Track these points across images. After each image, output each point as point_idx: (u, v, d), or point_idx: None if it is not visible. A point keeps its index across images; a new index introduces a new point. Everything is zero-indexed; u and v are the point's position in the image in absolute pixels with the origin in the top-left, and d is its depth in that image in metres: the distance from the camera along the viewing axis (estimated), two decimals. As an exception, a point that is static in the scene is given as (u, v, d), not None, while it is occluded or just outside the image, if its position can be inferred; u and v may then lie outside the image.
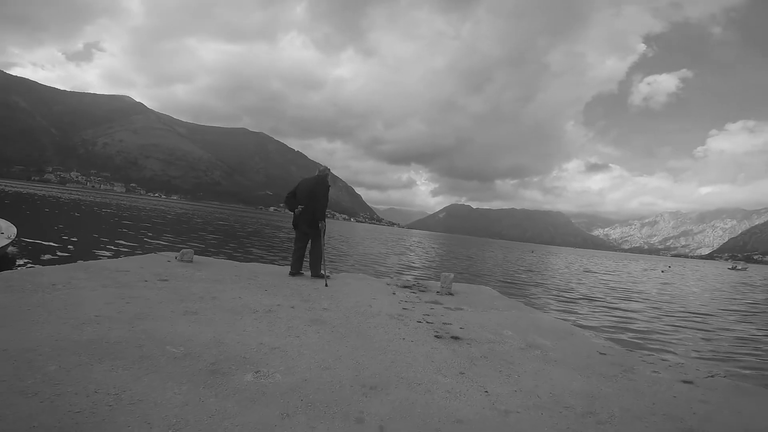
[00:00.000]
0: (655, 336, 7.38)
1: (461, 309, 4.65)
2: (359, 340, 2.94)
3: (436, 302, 4.87)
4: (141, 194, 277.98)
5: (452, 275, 5.81)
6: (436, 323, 3.78)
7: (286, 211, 6.14)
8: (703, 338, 7.58)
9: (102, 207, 34.33)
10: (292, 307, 3.76)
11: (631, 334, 7.33)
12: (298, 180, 6.21)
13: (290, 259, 6.03)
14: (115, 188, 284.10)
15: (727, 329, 8.54)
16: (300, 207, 5.73)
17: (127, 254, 9.43)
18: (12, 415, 1.50)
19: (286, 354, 2.48)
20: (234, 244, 17.39)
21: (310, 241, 5.89)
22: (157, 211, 38.95)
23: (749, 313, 11.79)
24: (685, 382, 2.92)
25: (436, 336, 3.32)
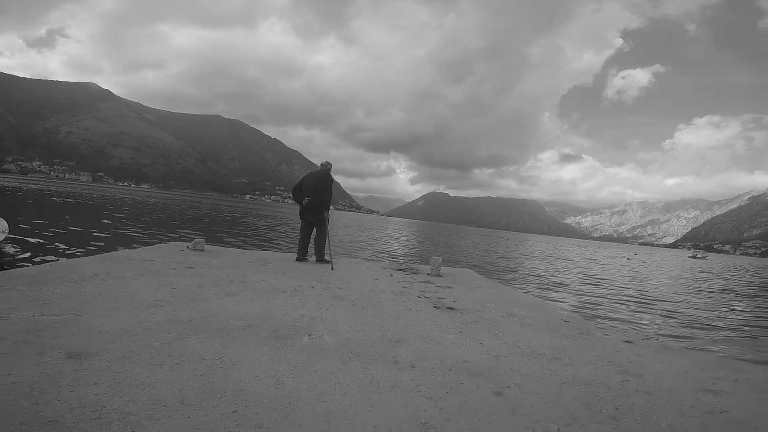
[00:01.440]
0: (610, 312, 8.47)
1: (451, 287, 5.46)
2: (376, 311, 3.68)
3: (429, 282, 5.67)
4: (109, 183, 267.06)
5: (440, 259, 6.62)
6: (433, 298, 4.57)
7: (290, 201, 6.81)
8: (649, 314, 8.74)
9: (72, 196, 33.44)
10: (312, 287, 4.46)
11: (590, 310, 8.39)
12: (301, 173, 6.85)
13: (295, 246, 6.67)
14: (81, 177, 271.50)
15: (673, 309, 9.76)
16: (307, 199, 6.36)
17: (115, 247, 9.75)
18: (159, 383, 1.87)
19: (325, 322, 3.18)
20: (221, 233, 17.69)
21: (314, 230, 6.55)
22: (130, 201, 38.20)
23: (698, 296, 13.23)
24: (626, 341, 3.81)
25: (435, 307, 4.11)
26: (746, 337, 7.15)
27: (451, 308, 4.15)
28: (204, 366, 2.11)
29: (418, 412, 1.82)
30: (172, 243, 7.29)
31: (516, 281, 12.26)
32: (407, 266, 7.14)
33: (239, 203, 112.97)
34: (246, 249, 8.77)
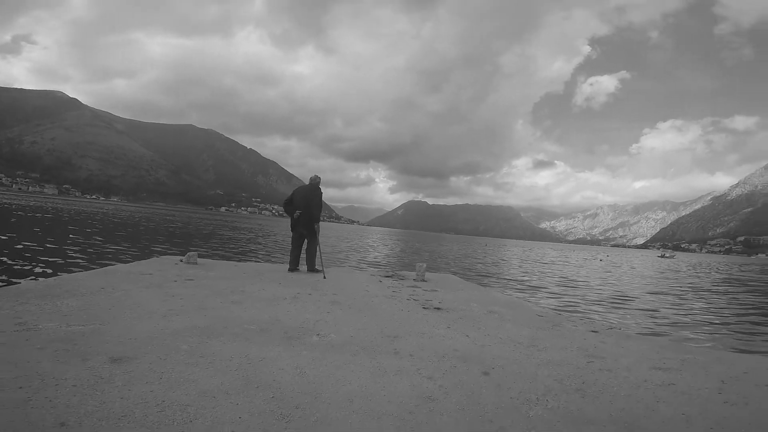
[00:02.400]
0: (580, 308, 9.10)
1: (436, 291, 5.88)
2: (372, 313, 4.05)
3: (415, 286, 6.07)
4: (76, 196, 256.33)
5: (425, 265, 7.05)
6: (421, 300, 4.97)
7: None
8: (616, 308, 9.43)
9: (38, 211, 32.26)
10: (310, 294, 4.78)
11: (562, 307, 9.00)
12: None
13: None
14: (45, 190, 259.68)
15: (638, 305, 10.52)
16: (298, 212, 6.67)
17: (96, 262, 9.72)
18: (201, 379, 2.13)
19: (328, 324, 3.52)
20: (198, 247, 17.58)
21: (305, 241, 6.86)
22: (100, 215, 37.12)
23: (664, 294, 14.16)
24: (592, 331, 4.31)
25: (424, 308, 4.51)
26: (708, 328, 7.87)
27: (438, 308, 4.56)
28: (234, 363, 2.41)
29: (422, 389, 2.20)
30: (165, 257, 7.44)
31: (495, 284, 12.84)
32: (394, 273, 7.54)
33: (215, 215, 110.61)
34: (232, 261, 8.94)
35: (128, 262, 7.42)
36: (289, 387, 2.10)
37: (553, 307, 8.98)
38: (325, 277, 6.21)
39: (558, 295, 11.27)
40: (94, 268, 6.28)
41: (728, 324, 8.41)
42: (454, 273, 13.34)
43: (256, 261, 12.47)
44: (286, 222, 7.72)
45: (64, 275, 5.11)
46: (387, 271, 7.97)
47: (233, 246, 18.77)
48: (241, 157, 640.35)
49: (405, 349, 2.92)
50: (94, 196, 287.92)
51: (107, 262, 9.79)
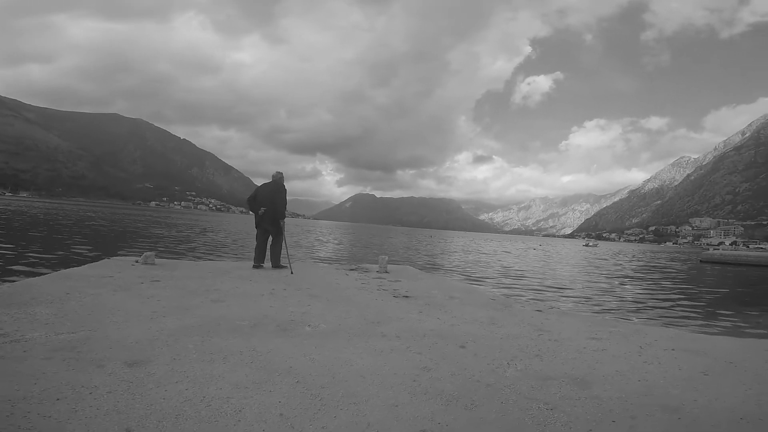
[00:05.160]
0: (525, 294, 10.14)
1: (400, 281, 6.34)
2: (350, 303, 4.39)
3: (380, 278, 6.48)
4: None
5: (387, 258, 7.48)
6: (389, 290, 5.40)
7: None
8: (554, 293, 10.62)
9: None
10: (285, 290, 4.98)
11: (508, 292, 9.96)
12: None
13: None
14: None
15: (574, 293, 11.88)
16: (263, 209, 6.75)
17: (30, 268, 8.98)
18: (225, 373, 2.24)
19: (314, 315, 3.79)
20: (132, 247, 16.54)
21: (270, 238, 6.96)
22: (7, 212, 33.18)
23: (594, 279, 15.92)
24: (537, 311, 5.00)
25: (394, 296, 4.94)
26: (629, 307, 9.18)
27: (406, 296, 5.01)
28: (247, 357, 2.56)
29: (416, 362, 2.61)
30: (116, 258, 7.13)
31: (446, 275, 13.67)
32: (357, 266, 7.88)
33: (144, 211, 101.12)
34: (191, 261, 8.71)
35: (93, 262, 6.92)
36: (307, 371, 2.36)
37: (501, 290, 9.89)
38: (292, 273, 6.39)
39: (503, 285, 12.33)
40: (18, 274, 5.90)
41: (644, 303, 9.88)
42: (410, 264, 13.98)
43: (212, 260, 12.14)
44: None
45: (18, 282, 4.82)
46: (351, 265, 8.29)
47: (177, 244, 17.90)
48: (174, 149, 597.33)
49: (390, 332, 3.31)
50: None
51: (23, 269, 9.00)
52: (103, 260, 7.00)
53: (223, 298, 4.32)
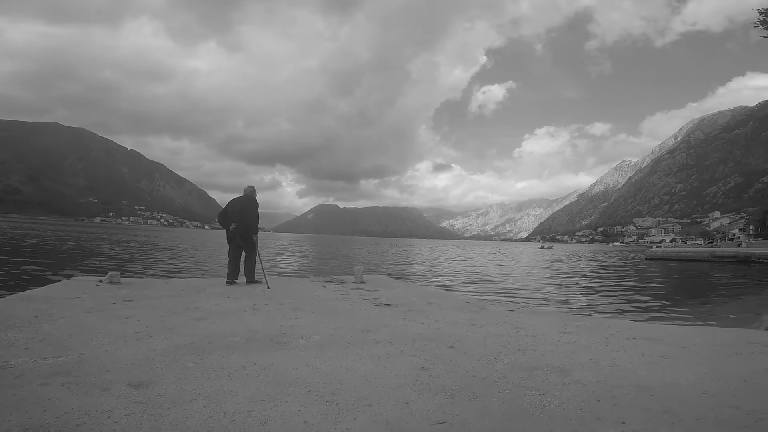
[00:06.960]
0: (494, 296, 10.62)
1: (377, 290, 6.49)
2: (336, 314, 4.49)
3: (358, 288, 6.60)
4: None
5: (362, 268, 7.61)
6: (370, 299, 5.53)
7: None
8: (518, 296, 11.19)
9: None
10: (266, 304, 4.98)
11: (479, 295, 10.41)
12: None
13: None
14: None
15: (539, 294, 12.54)
16: (234, 224, 6.67)
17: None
18: (237, 388, 2.25)
19: (303, 327, 3.85)
20: (79, 264, 15.54)
21: (243, 253, 6.88)
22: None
23: (553, 280, 16.82)
24: (510, 311, 5.34)
25: (376, 305, 5.08)
26: (591, 303, 9.86)
27: (387, 304, 5.17)
28: (251, 371, 2.56)
29: (413, 364, 2.78)
30: (76, 278, 6.76)
31: (418, 282, 13.96)
32: (333, 278, 7.94)
33: (88, 228, 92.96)
34: (159, 279, 8.35)
35: (52, 283, 6.45)
36: (315, 380, 2.44)
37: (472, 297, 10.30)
38: (269, 287, 6.36)
39: (473, 290, 12.80)
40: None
41: (603, 299, 10.68)
42: (380, 273, 14.15)
43: (179, 277, 11.65)
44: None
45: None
46: (326, 277, 8.33)
47: (126, 263, 16.99)
48: (121, 160, 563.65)
49: (382, 339, 3.46)
50: None
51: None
52: (63, 281, 6.62)
53: (206, 316, 4.26)
